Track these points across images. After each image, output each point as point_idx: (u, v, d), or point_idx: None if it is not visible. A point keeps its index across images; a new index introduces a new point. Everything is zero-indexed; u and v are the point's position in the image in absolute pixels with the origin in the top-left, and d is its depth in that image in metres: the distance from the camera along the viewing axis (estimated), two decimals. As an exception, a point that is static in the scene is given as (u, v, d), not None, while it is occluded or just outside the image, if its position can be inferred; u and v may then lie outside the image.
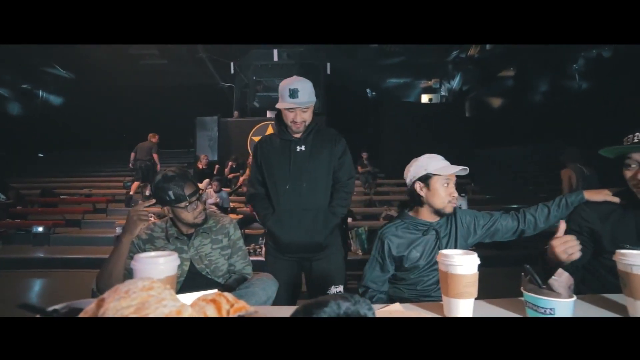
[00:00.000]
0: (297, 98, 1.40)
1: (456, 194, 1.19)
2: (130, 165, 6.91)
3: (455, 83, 12.22)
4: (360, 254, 4.62)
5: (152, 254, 0.79)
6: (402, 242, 1.21)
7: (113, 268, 1.08)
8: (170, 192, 1.17)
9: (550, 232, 1.30)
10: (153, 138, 6.93)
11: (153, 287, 0.55)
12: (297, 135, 1.50)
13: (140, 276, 0.72)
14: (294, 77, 1.47)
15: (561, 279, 0.71)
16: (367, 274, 1.26)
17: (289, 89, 1.40)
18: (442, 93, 12.75)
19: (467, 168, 1.18)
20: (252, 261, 1.37)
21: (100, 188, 7.95)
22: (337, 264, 1.54)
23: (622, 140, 1.00)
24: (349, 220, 4.42)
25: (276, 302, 1.18)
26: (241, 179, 6.88)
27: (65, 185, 7.99)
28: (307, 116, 1.46)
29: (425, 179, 1.20)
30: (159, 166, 6.76)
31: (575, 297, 0.71)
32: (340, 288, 1.49)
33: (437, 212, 1.20)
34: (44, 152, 11.37)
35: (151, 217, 1.17)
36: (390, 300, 1.23)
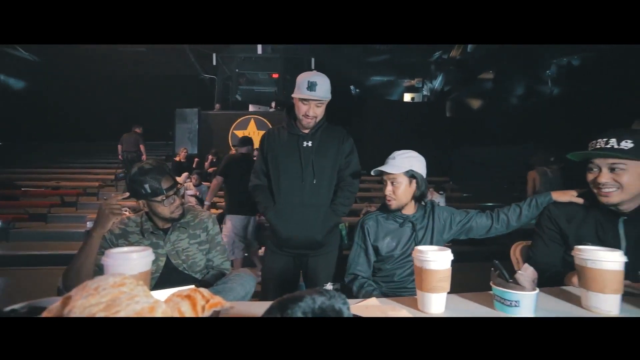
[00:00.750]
0: (315, 91, 1.40)
1: (389, 192, 1.25)
2: (120, 157, 6.93)
3: (437, 83, 12.49)
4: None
5: (125, 249, 0.77)
6: (380, 230, 1.28)
7: (82, 264, 1.03)
8: (146, 185, 1.13)
9: (522, 231, 1.37)
10: (137, 129, 6.99)
11: (125, 283, 0.54)
12: (306, 131, 1.49)
13: (111, 272, 0.70)
14: (314, 71, 1.48)
15: (526, 273, 0.76)
16: (353, 262, 1.31)
17: (308, 81, 1.40)
18: (424, 93, 12.99)
19: (388, 167, 1.25)
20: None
21: (70, 180, 7.50)
22: (333, 262, 1.54)
23: (588, 145, 1.06)
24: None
25: (271, 297, 1.16)
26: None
27: (29, 177, 7.49)
28: (320, 112, 1.46)
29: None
30: (144, 156, 6.82)
31: (537, 290, 0.76)
32: (338, 285, 1.48)
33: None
34: (3, 140, 10.40)
35: (125, 211, 1.13)
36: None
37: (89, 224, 4.97)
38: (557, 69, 9.04)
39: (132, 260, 0.72)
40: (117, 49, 9.38)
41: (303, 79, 1.42)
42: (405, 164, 1.25)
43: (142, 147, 6.87)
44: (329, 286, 1.46)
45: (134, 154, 6.72)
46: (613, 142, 0.98)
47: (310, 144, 1.47)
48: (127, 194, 1.19)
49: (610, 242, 1.03)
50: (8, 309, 0.54)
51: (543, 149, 4.55)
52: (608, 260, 0.76)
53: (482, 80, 11.56)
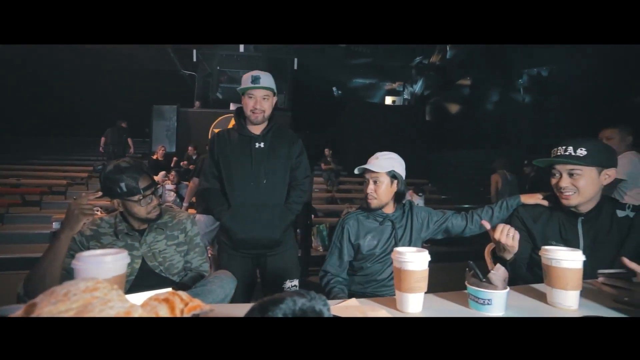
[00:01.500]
0: (258, 83, 1.45)
1: (371, 191, 1.29)
2: (101, 149, 6.93)
3: (417, 87, 12.82)
4: (322, 250, 4.69)
5: (98, 251, 0.74)
6: (360, 229, 1.32)
7: (47, 268, 0.96)
8: (122, 184, 1.09)
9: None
10: (122, 123, 7.10)
11: (98, 287, 0.52)
12: (257, 132, 1.52)
13: (83, 276, 0.67)
14: (257, 70, 1.53)
15: (498, 273, 0.79)
16: (327, 259, 1.36)
17: (252, 76, 1.47)
18: (405, 96, 13.29)
19: (374, 165, 1.28)
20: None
21: (33, 177, 6.93)
22: (292, 259, 1.59)
23: (551, 151, 1.15)
24: (312, 217, 4.46)
25: (232, 299, 1.16)
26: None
27: (-17, 173, 6.88)
28: (267, 106, 1.49)
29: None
30: (132, 150, 6.98)
31: (508, 289, 0.80)
32: (296, 282, 1.51)
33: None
34: None
35: (97, 211, 1.08)
36: (350, 296, 1.28)
37: (56, 225, 4.65)
38: (529, 79, 9.55)
39: (105, 264, 0.69)
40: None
41: (247, 75, 1.49)
42: (388, 164, 1.29)
43: (130, 141, 6.98)
44: (288, 284, 1.49)
45: (118, 147, 6.72)
46: (570, 149, 1.08)
47: (262, 145, 1.50)
48: (99, 192, 1.13)
49: (571, 240, 1.12)
50: None
51: (505, 154, 5.02)
52: (569, 260, 0.83)
53: (460, 86, 11.98)
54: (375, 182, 1.28)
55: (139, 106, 8.54)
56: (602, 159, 1.07)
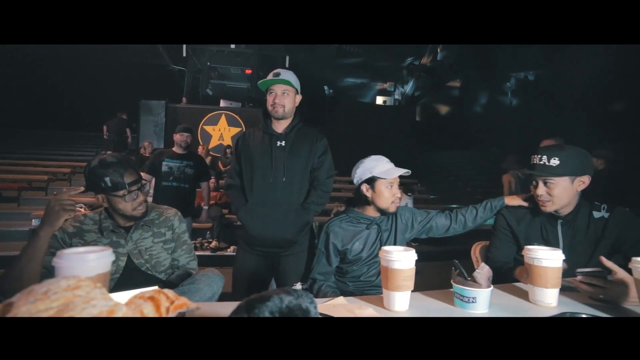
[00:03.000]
0: (279, 77, 1.48)
1: (399, 194, 1.28)
2: (105, 136, 7.26)
3: (408, 88, 12.93)
4: (311, 248, 4.70)
5: (81, 249, 0.72)
6: (346, 235, 1.29)
7: (25, 266, 0.92)
8: (107, 179, 1.06)
9: (481, 231, 1.46)
10: (123, 115, 7.36)
11: (80, 286, 0.50)
12: (279, 131, 1.52)
13: (64, 274, 0.65)
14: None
15: (483, 271, 0.81)
16: (314, 267, 1.31)
17: (274, 73, 1.50)
18: (396, 96, 13.40)
19: (410, 171, 1.28)
20: (199, 256, 1.31)
21: (11, 172, 6.60)
22: (304, 262, 1.54)
23: (530, 157, 1.19)
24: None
25: (243, 295, 1.14)
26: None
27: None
28: (287, 101, 1.49)
29: (371, 181, 1.27)
30: (129, 138, 7.23)
31: (492, 287, 0.82)
32: (307, 285, 1.48)
33: (381, 211, 1.29)
34: None
35: (80, 207, 1.04)
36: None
37: (35, 222, 4.48)
38: (516, 82, 9.76)
39: (88, 262, 0.67)
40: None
41: (270, 73, 1.52)
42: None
43: (128, 131, 7.22)
44: (297, 286, 1.47)
45: (118, 137, 7.00)
46: (545, 159, 1.12)
47: (283, 143, 1.50)
48: (81, 188, 1.09)
49: (552, 241, 1.17)
50: None
51: (513, 154, 4.76)
52: (549, 259, 0.86)
53: (450, 87, 12.14)
54: (397, 186, 1.29)
55: (126, 100, 8.32)
56: (575, 167, 1.11)
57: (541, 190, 1.13)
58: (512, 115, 9.56)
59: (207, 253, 4.20)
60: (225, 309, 0.80)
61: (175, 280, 1.16)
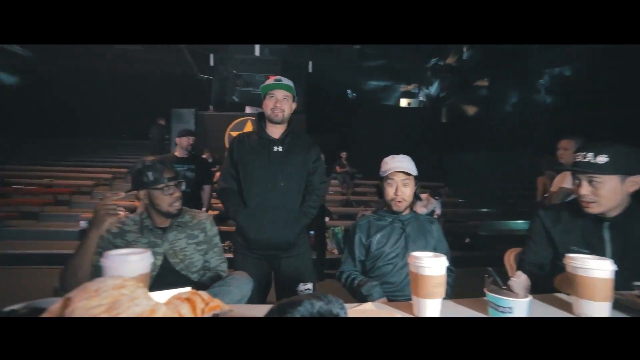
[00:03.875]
0: (280, 81, 1.53)
1: (402, 193, 1.30)
2: (150, 137, 7.98)
3: (433, 89, 12.62)
4: (337, 252, 4.68)
5: (124, 251, 0.77)
6: (370, 228, 1.35)
7: (79, 265, 1.03)
8: (149, 173, 1.18)
9: (516, 237, 1.39)
10: (161, 121, 8.02)
11: (125, 285, 0.54)
12: (276, 136, 1.56)
13: (110, 274, 0.70)
14: None
15: (519, 280, 0.77)
16: (343, 260, 1.39)
17: (274, 78, 1.55)
18: (421, 98, 13.12)
19: (407, 167, 1.30)
20: (227, 258, 1.36)
21: (63, 178, 7.37)
22: (306, 262, 1.62)
23: (573, 156, 1.09)
24: (326, 219, 4.46)
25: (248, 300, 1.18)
26: (217, 174, 6.72)
27: (20, 175, 7.34)
28: (286, 107, 1.54)
29: (381, 179, 1.36)
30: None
31: (530, 297, 0.77)
32: (309, 285, 1.51)
33: (389, 208, 1.35)
34: None
35: (121, 211, 1.14)
36: (364, 300, 1.27)
37: (82, 223, 4.90)
38: (550, 78, 9.22)
39: (131, 263, 0.72)
40: (113, 47, 9.32)
41: (269, 79, 1.57)
42: (412, 167, 1.34)
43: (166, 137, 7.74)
44: (301, 287, 1.50)
45: (159, 142, 7.63)
46: (590, 156, 1.02)
47: (280, 148, 1.55)
48: (122, 193, 1.20)
49: (596, 246, 1.06)
50: (8, 309, 0.54)
51: (549, 154, 4.45)
52: (598, 269, 0.78)
53: (477, 87, 11.71)
54: (404, 184, 1.31)
55: (158, 109, 8.78)
56: (627, 165, 1.00)
57: (585, 189, 1.03)
58: (546, 114, 9.04)
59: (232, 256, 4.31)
60: (255, 311, 0.82)
61: (207, 282, 1.21)
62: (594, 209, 1.04)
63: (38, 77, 10.91)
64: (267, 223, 1.49)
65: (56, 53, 9.50)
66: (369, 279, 1.27)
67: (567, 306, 0.87)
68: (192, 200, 2.99)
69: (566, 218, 1.14)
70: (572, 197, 1.19)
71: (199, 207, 3.16)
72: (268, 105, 1.53)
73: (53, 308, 0.49)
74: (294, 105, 1.59)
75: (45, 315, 0.49)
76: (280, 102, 1.52)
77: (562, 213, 1.16)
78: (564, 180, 2.36)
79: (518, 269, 1.17)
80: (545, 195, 2.73)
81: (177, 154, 2.98)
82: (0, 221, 5.22)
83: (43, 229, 5.39)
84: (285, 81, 1.54)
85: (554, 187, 2.65)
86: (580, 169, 1.03)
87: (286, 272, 1.54)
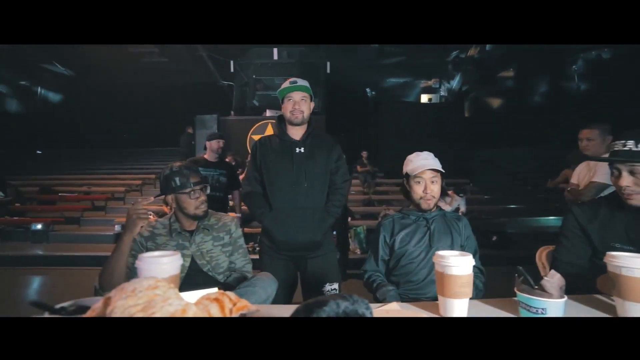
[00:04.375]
0: (296, 84, 1.55)
1: (431, 191, 1.28)
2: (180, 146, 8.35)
3: (454, 83, 12.25)
4: (359, 252, 4.65)
5: (156, 253, 0.81)
6: (395, 227, 1.34)
7: (115, 266, 1.10)
8: (177, 178, 1.24)
9: (547, 234, 1.32)
10: (189, 129, 8.24)
11: (158, 286, 0.57)
12: (297, 138, 1.58)
13: (144, 275, 0.74)
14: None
15: (553, 280, 0.73)
16: (367, 259, 1.38)
17: (290, 81, 1.58)
18: (442, 93, 12.76)
19: (435, 164, 1.28)
20: (252, 260, 1.39)
21: (99, 186, 7.93)
22: (332, 262, 1.62)
23: (610, 145, 1.03)
24: (348, 219, 4.45)
25: (274, 300, 1.20)
26: (241, 177, 6.88)
27: (63, 183, 7.96)
28: (305, 107, 1.56)
29: (406, 177, 1.34)
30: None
31: (566, 298, 0.73)
32: (335, 285, 1.54)
33: (417, 206, 1.33)
34: (43, 149, 11.39)
35: (150, 215, 1.22)
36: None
37: (117, 228, 5.24)
38: (585, 64, 8.63)
39: (162, 265, 0.76)
40: (141, 61, 9.83)
41: (285, 82, 1.59)
42: (437, 163, 1.31)
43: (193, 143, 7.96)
44: (327, 287, 1.52)
45: (187, 148, 7.91)
46: (631, 144, 0.95)
47: (302, 150, 1.56)
48: (151, 198, 1.27)
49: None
50: (58, 306, 0.59)
51: (578, 148, 4.17)
52: None
53: (503, 78, 11.23)
54: (432, 182, 1.29)
55: (183, 117, 9.14)
56: None
57: (627, 180, 0.97)
58: (579, 102, 8.49)
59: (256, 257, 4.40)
60: (281, 311, 0.84)
61: (233, 283, 1.24)
62: (636, 201, 0.98)
63: (78, 94, 11.81)
64: (292, 224, 1.51)
65: (93, 70, 10.27)
66: (386, 283, 1.25)
67: (608, 308, 0.82)
68: (223, 204, 3.02)
69: (605, 213, 1.07)
70: (607, 191, 1.11)
71: (226, 210, 3.22)
72: (287, 108, 1.56)
73: (96, 306, 0.53)
74: (312, 105, 1.61)
75: (89, 313, 0.53)
76: (299, 104, 1.54)
77: (600, 209, 1.09)
78: (596, 174, 2.17)
79: (551, 268, 1.11)
80: (568, 189, 2.50)
81: (207, 157, 2.98)
82: (50, 226, 5.65)
83: (83, 232, 5.82)
84: (301, 82, 1.56)
85: (575, 179, 2.44)
86: (621, 159, 0.97)
87: (312, 272, 1.56)
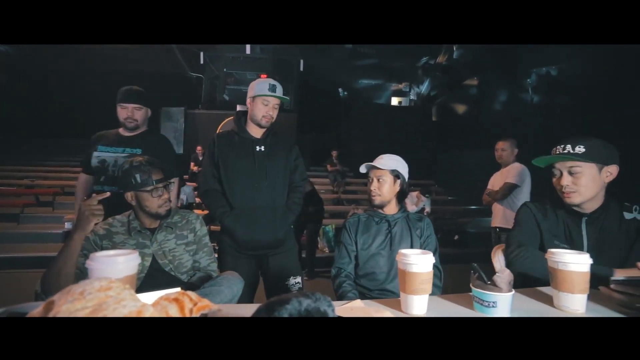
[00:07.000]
0: (276, 92, 1.54)
1: (374, 189, 1.36)
2: None
3: (423, 88, 12.74)
4: (327, 251, 4.70)
5: (111, 252, 0.76)
6: (360, 227, 1.39)
7: (62, 267, 1.00)
8: (137, 175, 1.16)
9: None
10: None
11: (111, 287, 0.54)
12: (258, 136, 1.58)
13: (96, 276, 0.69)
14: (269, 78, 1.63)
15: (503, 275, 0.79)
16: (337, 257, 1.42)
17: (269, 84, 1.55)
18: (412, 97, 13.22)
19: (384, 164, 1.35)
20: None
21: (46, 179, 7.20)
22: (294, 257, 1.65)
23: (551, 150, 1.13)
24: (323, 219, 4.47)
25: (238, 299, 1.18)
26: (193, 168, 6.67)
27: (0, 175, 7.14)
28: (275, 114, 1.59)
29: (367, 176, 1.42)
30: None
31: (513, 292, 0.80)
32: (299, 279, 1.57)
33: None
34: None
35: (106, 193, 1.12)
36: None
37: (68, 225, 4.79)
38: (537, 78, 9.41)
39: (118, 264, 0.71)
40: (103, 46, 9.12)
41: (263, 82, 1.56)
42: (392, 164, 1.36)
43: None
44: (292, 280, 1.54)
45: None
46: (569, 147, 1.07)
47: (262, 148, 1.56)
48: (108, 193, 1.17)
49: (576, 241, 1.11)
50: None
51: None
52: (576, 263, 0.82)
53: (467, 86, 11.86)
54: (378, 179, 1.35)
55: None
56: (602, 155, 1.05)
57: (566, 180, 1.08)
58: (533, 112, 9.23)
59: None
60: (245, 310, 0.83)
61: (197, 282, 1.20)
62: (574, 199, 1.08)
63: (20, 74, 10.57)
64: (255, 224, 1.50)
65: (38, 50, 9.23)
66: (349, 290, 1.28)
67: (547, 299, 0.90)
68: (119, 199, 2.38)
69: (551, 213, 1.18)
70: (517, 191, 1.22)
71: (125, 209, 2.64)
72: (258, 109, 1.54)
73: (34, 312, 0.48)
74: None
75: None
76: (272, 110, 1.56)
77: (547, 208, 1.20)
78: (508, 177, 2.77)
79: (507, 248, 1.20)
80: (486, 192, 3.08)
81: (120, 130, 1.90)
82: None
83: (24, 231, 5.24)
84: (279, 88, 1.57)
85: (490, 185, 3.01)
86: (562, 157, 1.08)
87: (275, 269, 1.56)
